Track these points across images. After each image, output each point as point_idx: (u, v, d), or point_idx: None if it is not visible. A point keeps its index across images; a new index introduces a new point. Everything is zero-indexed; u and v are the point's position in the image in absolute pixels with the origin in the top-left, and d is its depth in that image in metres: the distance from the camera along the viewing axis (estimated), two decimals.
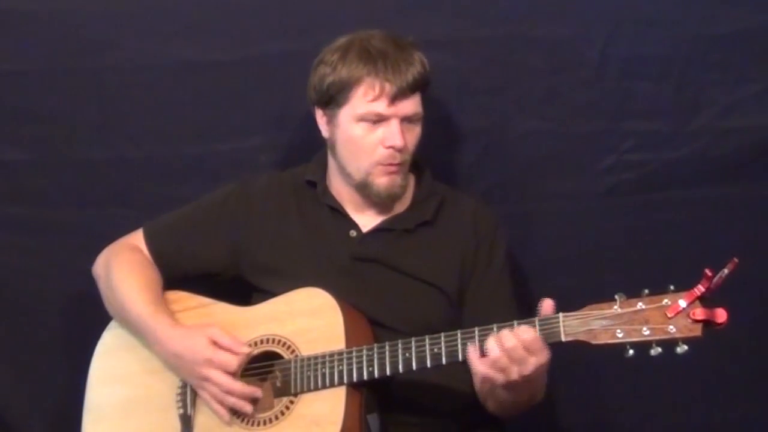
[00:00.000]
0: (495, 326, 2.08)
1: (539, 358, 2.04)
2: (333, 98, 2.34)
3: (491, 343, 2.05)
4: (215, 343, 2.26)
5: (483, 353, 2.07)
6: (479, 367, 2.07)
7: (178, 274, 2.44)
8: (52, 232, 2.80)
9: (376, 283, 2.35)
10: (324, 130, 2.40)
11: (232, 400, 2.25)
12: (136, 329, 2.38)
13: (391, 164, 2.32)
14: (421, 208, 2.41)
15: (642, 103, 2.63)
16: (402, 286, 2.36)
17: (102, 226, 2.76)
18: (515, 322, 2.07)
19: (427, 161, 2.49)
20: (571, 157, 2.67)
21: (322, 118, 2.40)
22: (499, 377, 2.06)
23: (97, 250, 2.63)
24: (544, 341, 2.04)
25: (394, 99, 2.29)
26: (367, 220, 2.40)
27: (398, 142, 2.30)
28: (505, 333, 2.05)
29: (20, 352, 2.83)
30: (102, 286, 2.48)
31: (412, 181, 2.46)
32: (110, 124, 2.77)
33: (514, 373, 2.04)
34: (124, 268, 2.44)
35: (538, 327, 2.05)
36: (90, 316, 2.54)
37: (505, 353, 2.04)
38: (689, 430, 2.73)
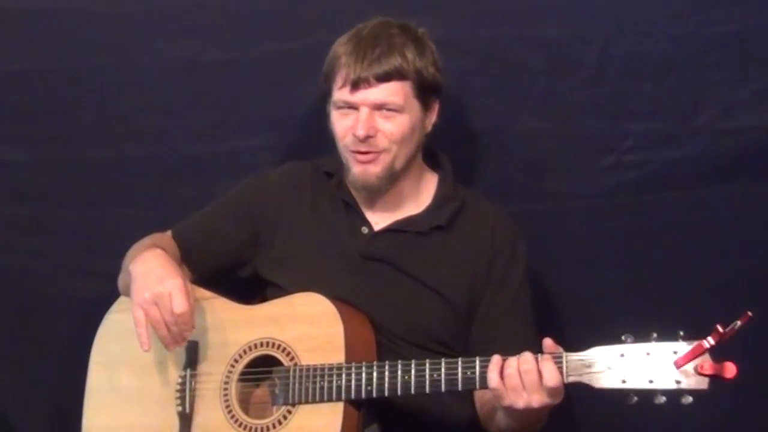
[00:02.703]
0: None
1: (553, 399, 2.01)
2: (327, 87, 2.35)
3: (510, 361, 2.03)
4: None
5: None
6: (493, 378, 2.03)
7: (205, 267, 2.43)
8: (52, 232, 2.80)
9: (381, 284, 2.33)
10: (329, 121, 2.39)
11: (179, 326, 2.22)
12: (129, 270, 2.32)
13: (358, 151, 2.30)
14: (437, 212, 2.37)
15: (642, 103, 2.63)
16: (408, 290, 2.33)
17: (102, 226, 2.78)
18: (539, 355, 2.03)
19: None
20: (571, 157, 2.67)
21: (327, 108, 2.39)
22: (506, 397, 2.02)
23: (97, 250, 2.64)
24: (562, 386, 2.00)
25: (356, 86, 2.27)
26: (380, 219, 2.38)
27: (359, 131, 2.27)
28: (527, 355, 2.02)
29: (21, 352, 2.84)
30: (122, 269, 2.45)
31: (434, 181, 2.43)
32: (110, 124, 2.77)
33: (521, 401, 2.01)
34: (142, 240, 2.45)
35: (565, 367, 2.00)
36: (90, 315, 2.54)
37: (518, 374, 2.01)
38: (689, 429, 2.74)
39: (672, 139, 2.63)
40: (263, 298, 2.41)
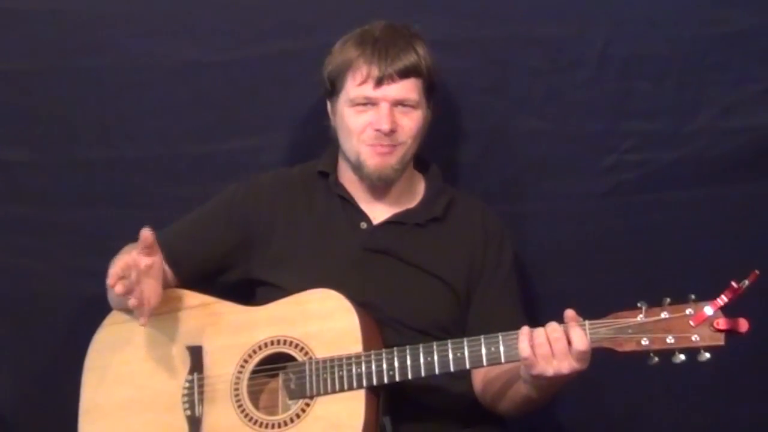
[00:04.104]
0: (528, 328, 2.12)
1: (581, 364, 2.07)
2: (334, 86, 2.39)
3: (539, 331, 2.09)
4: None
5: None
6: (524, 348, 2.08)
7: (192, 273, 2.42)
8: (52, 232, 2.80)
9: (385, 275, 2.36)
10: (332, 120, 2.43)
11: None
12: None
13: (377, 144, 2.34)
14: (431, 204, 2.43)
15: (642, 103, 2.64)
16: (411, 279, 2.37)
17: (102, 226, 2.77)
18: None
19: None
20: (571, 157, 2.68)
21: (330, 109, 2.43)
22: (537, 366, 2.07)
23: (97, 250, 2.63)
24: (590, 351, 2.08)
25: (380, 82, 2.33)
26: (377, 213, 2.42)
27: (384, 125, 2.32)
28: (554, 324, 2.09)
29: (20, 352, 2.83)
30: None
31: (421, 178, 2.48)
32: (110, 124, 2.77)
33: (552, 368, 2.07)
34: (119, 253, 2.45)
35: (588, 334, 2.08)
36: (90, 315, 2.53)
37: (548, 343, 2.07)
38: (690, 429, 2.74)
39: (672, 139, 2.63)
40: (260, 304, 2.40)
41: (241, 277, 2.47)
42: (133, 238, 2.51)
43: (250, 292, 2.45)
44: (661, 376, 2.62)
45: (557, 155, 2.68)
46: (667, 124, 2.63)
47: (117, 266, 2.21)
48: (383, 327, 2.29)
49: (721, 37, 2.59)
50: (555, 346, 2.07)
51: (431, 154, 2.52)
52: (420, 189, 2.47)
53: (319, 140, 2.51)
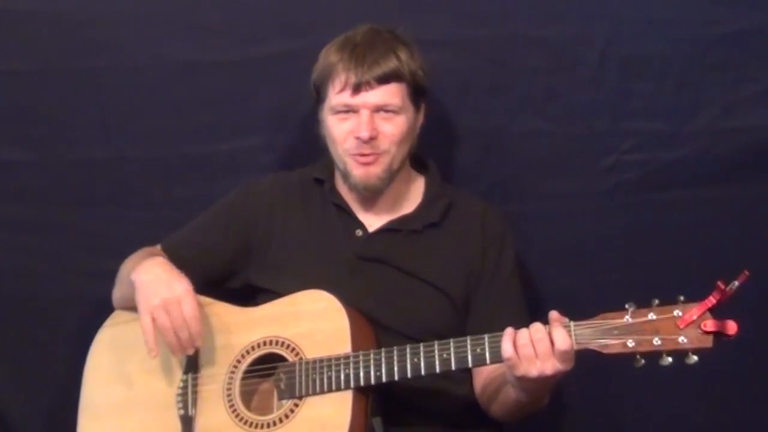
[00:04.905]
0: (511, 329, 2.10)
1: (565, 365, 2.06)
2: (319, 93, 2.38)
3: (522, 332, 2.07)
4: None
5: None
6: (507, 348, 2.07)
7: (197, 280, 2.38)
8: (52, 232, 2.80)
9: (380, 284, 2.35)
10: (322, 128, 2.41)
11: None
12: (131, 279, 2.32)
13: (360, 154, 2.33)
14: (428, 210, 2.41)
15: (642, 103, 2.63)
16: (407, 287, 2.36)
17: (102, 226, 2.77)
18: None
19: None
20: (571, 157, 2.67)
21: (319, 117, 2.42)
22: (520, 367, 2.06)
23: (97, 250, 2.63)
24: (573, 351, 2.06)
25: (357, 89, 2.30)
26: (373, 220, 2.41)
27: (363, 132, 2.30)
28: (537, 325, 2.08)
29: (20, 352, 2.83)
30: (116, 283, 2.47)
31: (421, 182, 2.46)
32: (110, 124, 2.77)
33: (535, 369, 2.05)
34: (134, 254, 2.46)
35: (573, 335, 2.06)
36: (90, 315, 2.54)
37: (531, 343, 2.05)
38: (690, 429, 2.74)
39: (672, 139, 2.63)
40: (254, 306, 2.40)
41: (244, 283, 2.47)
42: (133, 238, 2.54)
43: (252, 297, 2.45)
44: (660, 377, 2.62)
45: (557, 155, 2.68)
46: (667, 124, 2.63)
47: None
48: (379, 336, 2.28)
49: (721, 37, 2.58)
50: (538, 347, 2.05)
51: (431, 154, 2.51)
52: (418, 192, 2.45)
53: (319, 141, 2.50)
